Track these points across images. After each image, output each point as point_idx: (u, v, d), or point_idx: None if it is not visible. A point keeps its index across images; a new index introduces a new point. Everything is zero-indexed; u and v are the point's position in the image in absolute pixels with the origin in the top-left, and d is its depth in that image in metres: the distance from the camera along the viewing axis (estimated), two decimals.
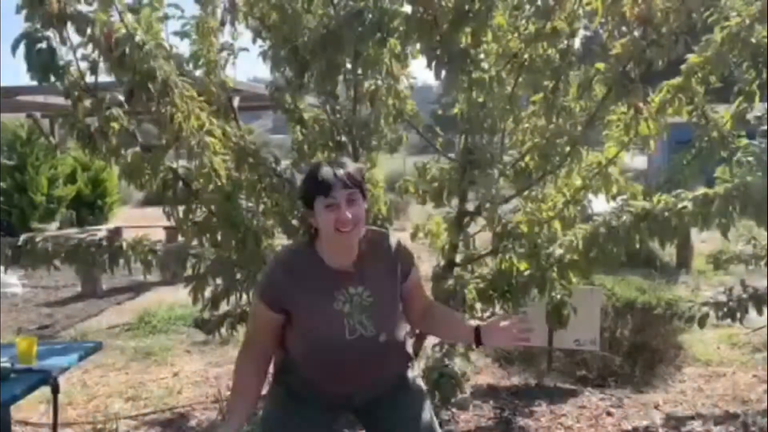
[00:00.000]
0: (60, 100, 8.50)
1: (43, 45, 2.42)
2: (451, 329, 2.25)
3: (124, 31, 2.46)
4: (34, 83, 2.62)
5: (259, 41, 3.51)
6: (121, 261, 3.22)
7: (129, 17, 2.48)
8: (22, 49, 2.43)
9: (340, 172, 1.95)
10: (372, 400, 2.15)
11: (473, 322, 2.13)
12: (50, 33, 2.41)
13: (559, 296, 3.23)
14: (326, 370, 2.05)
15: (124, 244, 3.18)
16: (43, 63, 2.40)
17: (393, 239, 2.14)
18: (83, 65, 2.56)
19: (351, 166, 2.00)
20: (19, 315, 7.05)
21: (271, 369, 2.16)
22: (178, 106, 2.57)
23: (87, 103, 2.57)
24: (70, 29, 2.43)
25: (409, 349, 2.25)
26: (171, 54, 2.68)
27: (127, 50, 2.44)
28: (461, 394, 3.08)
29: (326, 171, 1.95)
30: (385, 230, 2.36)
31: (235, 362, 2.10)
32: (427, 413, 2.19)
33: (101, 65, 2.55)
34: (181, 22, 3.30)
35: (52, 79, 2.49)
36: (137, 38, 2.47)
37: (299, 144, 3.52)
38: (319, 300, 2.01)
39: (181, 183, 2.88)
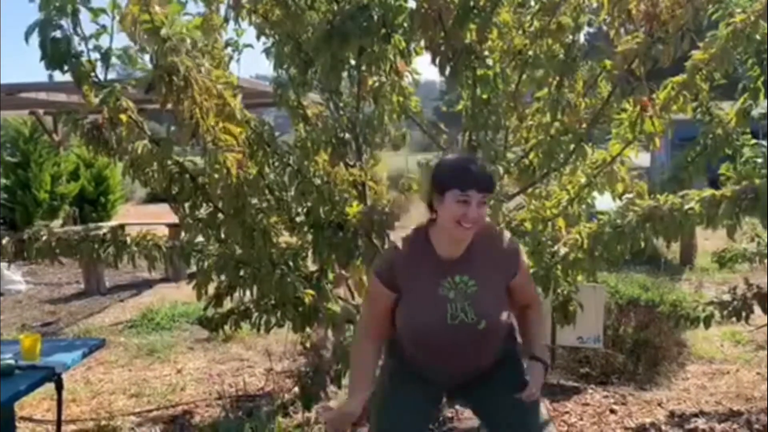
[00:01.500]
0: (62, 97, 8.54)
1: (58, 34, 2.41)
2: (523, 339, 2.36)
3: (149, 25, 2.46)
4: (37, 80, 2.62)
5: (263, 38, 3.51)
6: (126, 257, 3.20)
7: (157, 9, 2.48)
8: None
9: (483, 173, 2.10)
10: (471, 380, 2.29)
11: (534, 354, 2.26)
12: (64, 23, 2.40)
13: (565, 292, 3.22)
14: (427, 352, 2.20)
15: (128, 239, 3.18)
16: (57, 52, 2.39)
17: (506, 238, 2.27)
18: (94, 56, 2.55)
19: (489, 171, 2.18)
20: (22, 312, 7.07)
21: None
22: (197, 102, 2.57)
23: (95, 96, 2.56)
24: (84, 19, 2.42)
25: (515, 332, 2.36)
26: (193, 50, 2.67)
27: (154, 45, 2.45)
28: None
29: (471, 167, 2.10)
30: (500, 228, 2.48)
31: (353, 342, 2.36)
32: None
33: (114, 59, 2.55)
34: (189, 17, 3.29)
35: (66, 68, 2.48)
36: (162, 32, 2.47)
37: (302, 141, 3.51)
38: (426, 285, 2.15)
39: (188, 177, 2.87)
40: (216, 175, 2.71)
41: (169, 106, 2.58)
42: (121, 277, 8.37)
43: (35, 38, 2.45)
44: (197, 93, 2.52)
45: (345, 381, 3.44)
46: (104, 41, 2.51)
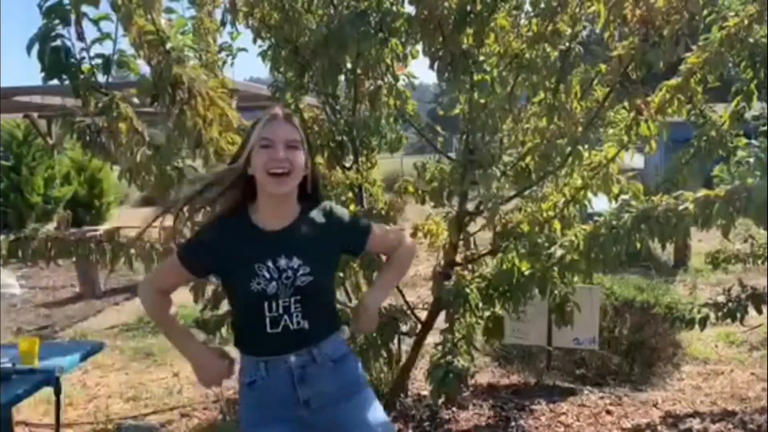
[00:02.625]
0: (57, 100, 8.54)
1: (58, 43, 2.41)
2: None
3: (153, 36, 2.46)
4: (32, 84, 2.62)
5: (258, 41, 3.51)
6: (122, 258, 3.20)
7: (162, 22, 2.48)
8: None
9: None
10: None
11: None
12: (65, 32, 2.39)
13: (561, 293, 3.24)
14: None
15: (125, 240, 3.18)
16: (56, 63, 2.38)
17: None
18: (96, 62, 2.54)
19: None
20: (18, 316, 7.05)
21: None
22: (200, 114, 2.57)
23: (95, 102, 2.56)
24: (86, 26, 2.41)
25: None
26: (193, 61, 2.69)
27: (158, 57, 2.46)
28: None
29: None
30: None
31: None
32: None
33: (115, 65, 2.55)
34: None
35: (64, 77, 2.47)
36: (168, 45, 2.47)
37: None
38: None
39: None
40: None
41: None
42: (116, 280, 8.34)
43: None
44: (201, 105, 2.53)
45: None
46: (106, 45, 2.51)
